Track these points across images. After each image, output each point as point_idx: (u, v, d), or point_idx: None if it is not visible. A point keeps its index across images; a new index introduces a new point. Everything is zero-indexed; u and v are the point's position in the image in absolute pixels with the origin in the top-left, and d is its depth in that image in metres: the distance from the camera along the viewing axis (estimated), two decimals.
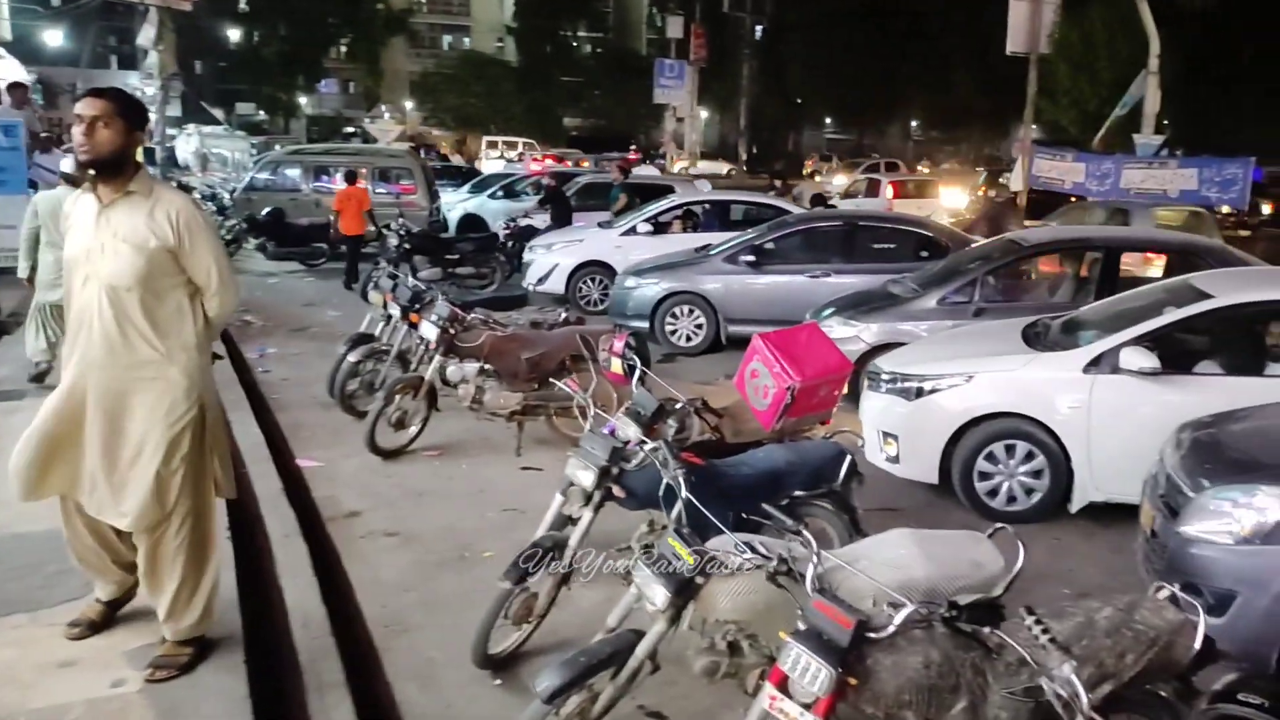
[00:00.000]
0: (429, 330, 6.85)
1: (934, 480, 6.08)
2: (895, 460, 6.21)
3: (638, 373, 5.35)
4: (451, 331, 6.87)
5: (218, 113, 45.04)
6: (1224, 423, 4.78)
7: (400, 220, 13.26)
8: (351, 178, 14.14)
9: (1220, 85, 31.28)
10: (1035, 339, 6.39)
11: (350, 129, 48.99)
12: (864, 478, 4.73)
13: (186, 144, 28.29)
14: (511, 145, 42.38)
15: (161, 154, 17.46)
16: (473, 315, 7.24)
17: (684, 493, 3.82)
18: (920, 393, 6.14)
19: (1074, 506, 5.85)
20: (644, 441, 4.22)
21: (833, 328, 8.01)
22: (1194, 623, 2.91)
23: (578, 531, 4.21)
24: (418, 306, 7.25)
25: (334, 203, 14.02)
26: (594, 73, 57.18)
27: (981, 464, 5.93)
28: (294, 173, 16.85)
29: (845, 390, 6.95)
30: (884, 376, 6.45)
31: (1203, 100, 30.43)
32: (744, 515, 4.27)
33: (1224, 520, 4.03)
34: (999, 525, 3.56)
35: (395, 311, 7.54)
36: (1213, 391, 5.53)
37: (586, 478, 4.15)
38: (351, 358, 7.58)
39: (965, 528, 5.70)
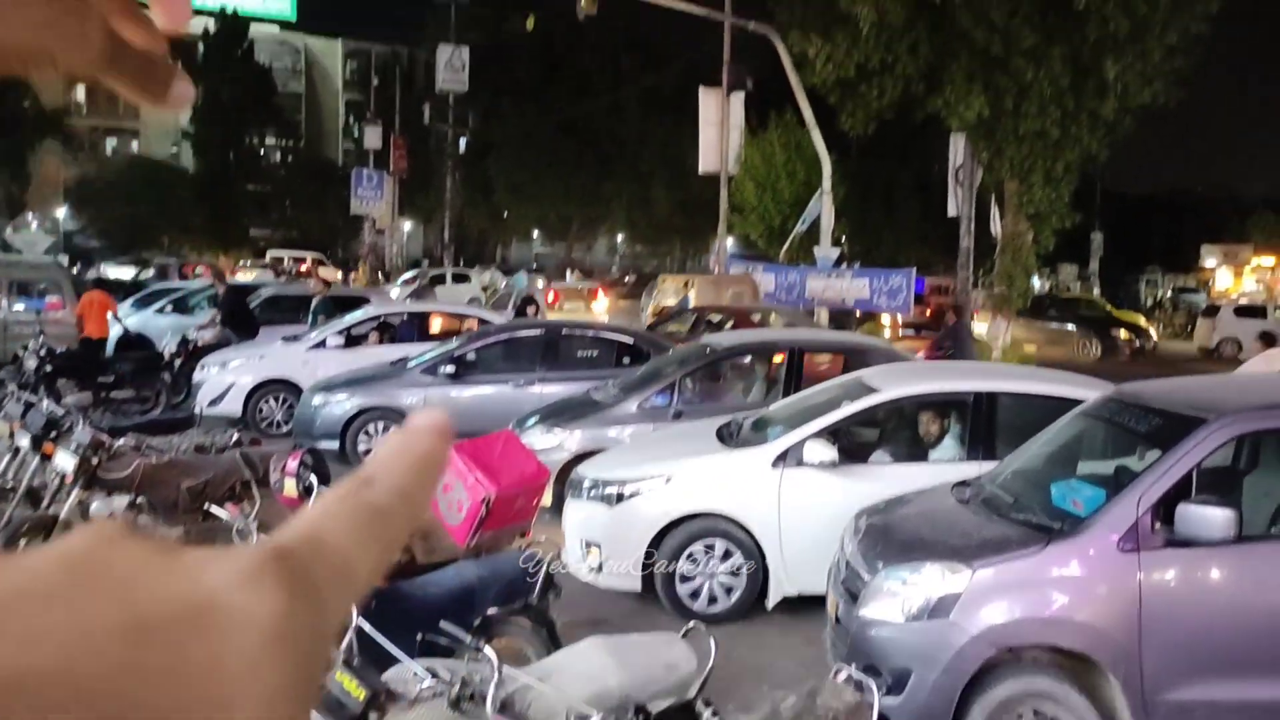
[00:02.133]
0: (65, 461, 6.11)
1: (637, 587, 6.19)
2: (598, 569, 6.26)
3: (315, 494, 5.06)
4: (95, 461, 6.17)
5: None
6: (894, 507, 5.27)
7: (40, 339, 11.92)
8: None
9: (885, 206, 36.02)
10: (728, 437, 6.78)
11: None
12: (561, 589, 4.71)
13: None
14: (299, 260, 38.94)
15: None
16: (122, 442, 6.57)
17: (355, 619, 3.60)
18: (621, 497, 6.28)
19: (770, 602, 6.16)
20: None
21: (536, 437, 8.10)
22: (870, 703, 3.09)
23: None
24: (53, 435, 6.47)
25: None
26: (284, 181, 55.59)
27: (682, 566, 6.12)
28: None
29: (549, 501, 7.01)
30: (585, 484, 6.55)
31: (871, 218, 34.78)
32: (431, 639, 4.10)
33: (896, 600, 4.39)
34: (691, 624, 3.64)
35: (25, 442, 6.67)
36: (886, 479, 6.09)
37: None
38: None
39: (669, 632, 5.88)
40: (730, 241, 24.79)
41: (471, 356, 10.42)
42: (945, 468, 6.08)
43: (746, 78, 25.06)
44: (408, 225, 50.95)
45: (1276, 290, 31.45)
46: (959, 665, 4.16)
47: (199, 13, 57.79)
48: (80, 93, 61.53)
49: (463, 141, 45.28)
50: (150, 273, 30.96)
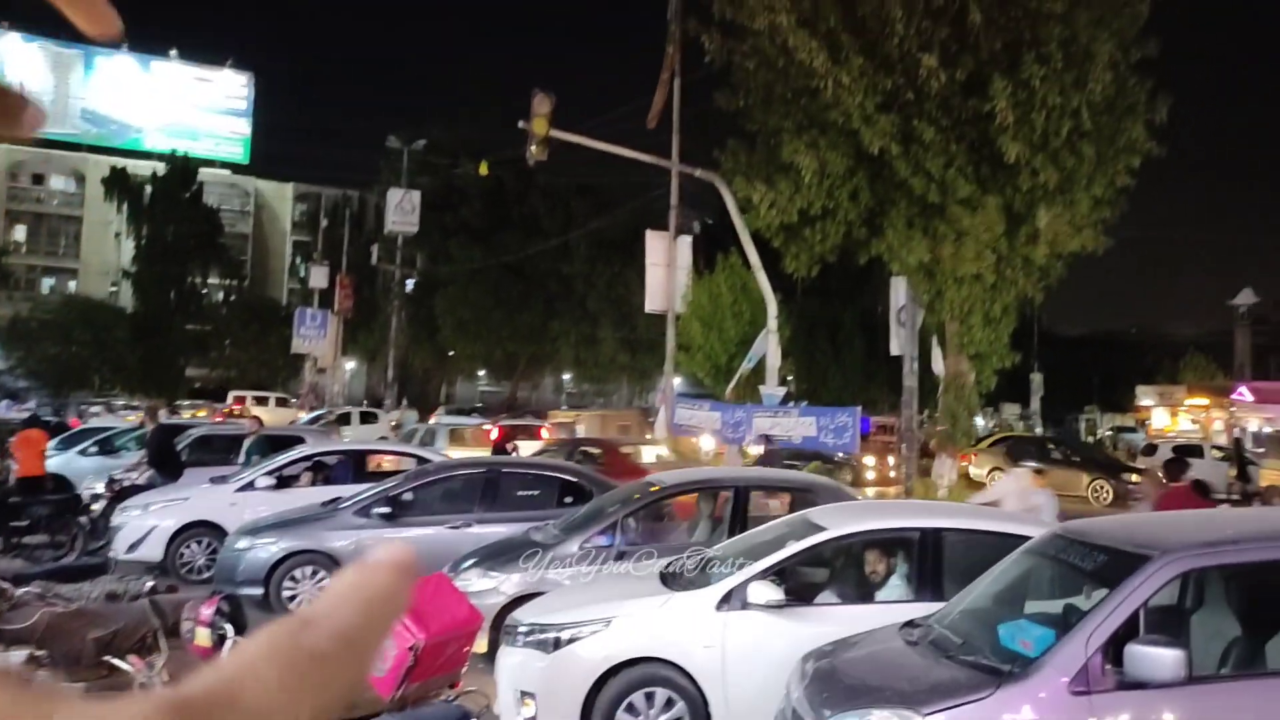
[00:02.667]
0: None
1: None
2: None
3: (230, 644, 4.79)
4: None
5: None
6: (841, 650, 5.11)
7: None
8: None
9: (831, 345, 36.77)
10: (672, 579, 6.61)
11: None
12: None
13: None
14: (261, 401, 37.93)
15: None
16: (25, 590, 6.21)
17: None
18: (559, 644, 6.04)
19: None
20: None
21: (471, 580, 7.85)
22: None
23: None
24: None
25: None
26: (225, 320, 55.29)
27: (621, 717, 5.84)
28: None
29: (483, 648, 6.72)
30: (521, 629, 6.30)
31: (818, 357, 35.41)
32: None
33: None
34: None
35: None
36: (833, 620, 5.94)
37: None
38: None
39: None
40: (678, 380, 24.97)
41: (408, 496, 10.18)
42: (893, 608, 5.95)
43: (693, 221, 25.87)
44: (351, 364, 50.69)
45: (1209, 429, 32.33)
46: None
47: (149, 156, 58.73)
48: (19, 231, 61.48)
49: (410, 282, 45.68)
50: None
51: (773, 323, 21.09)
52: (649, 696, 5.90)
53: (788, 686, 5.03)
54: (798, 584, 6.51)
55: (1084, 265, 18.75)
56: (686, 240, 24.45)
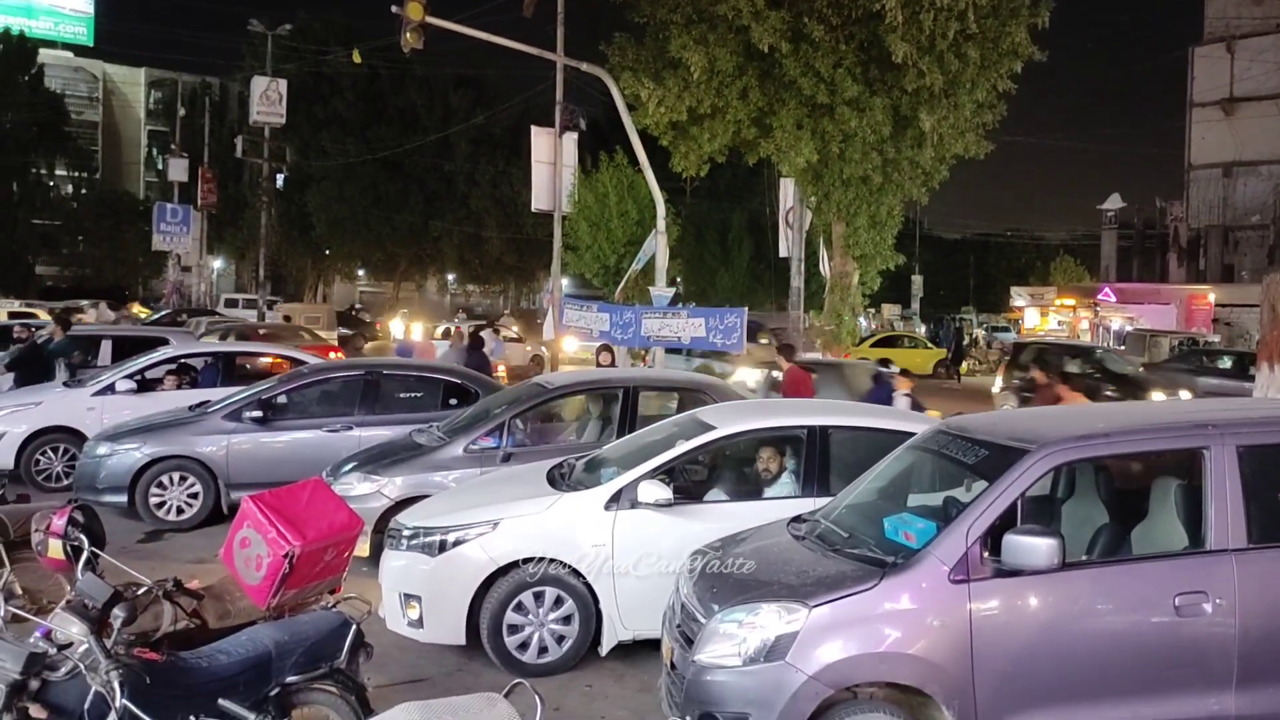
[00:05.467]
0: None
1: (461, 641, 5.88)
2: (419, 624, 5.91)
3: (85, 555, 4.55)
4: None
5: None
6: (729, 546, 5.18)
7: None
8: None
9: (720, 247, 36.90)
10: (560, 480, 6.58)
11: None
12: (373, 649, 4.37)
13: None
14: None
15: None
16: None
17: (120, 700, 3.19)
18: (444, 546, 5.97)
19: (604, 649, 5.96)
20: (82, 642, 3.52)
21: (353, 484, 7.69)
22: None
23: None
24: None
25: None
26: (76, 216, 51.98)
27: (511, 616, 5.85)
28: None
29: (366, 552, 6.60)
30: (405, 532, 6.20)
31: (706, 259, 35.57)
32: (216, 715, 3.70)
33: (732, 642, 4.28)
34: (516, 681, 3.43)
35: None
36: (722, 518, 6.03)
37: None
38: None
39: (498, 688, 5.57)
40: (566, 281, 24.73)
41: (282, 399, 9.86)
42: (781, 504, 6.07)
43: (579, 118, 25.25)
44: (218, 262, 48.54)
45: (1076, 329, 34.01)
46: (796, 708, 4.08)
47: None
48: None
49: (280, 176, 43.63)
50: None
51: (661, 223, 20.91)
52: (538, 596, 5.90)
53: (676, 582, 5.10)
54: (687, 482, 6.56)
55: (963, 170, 19.17)
56: (572, 137, 23.86)
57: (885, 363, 13.39)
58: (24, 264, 47.71)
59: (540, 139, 23.58)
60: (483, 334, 18.46)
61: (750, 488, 6.69)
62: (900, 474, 5.42)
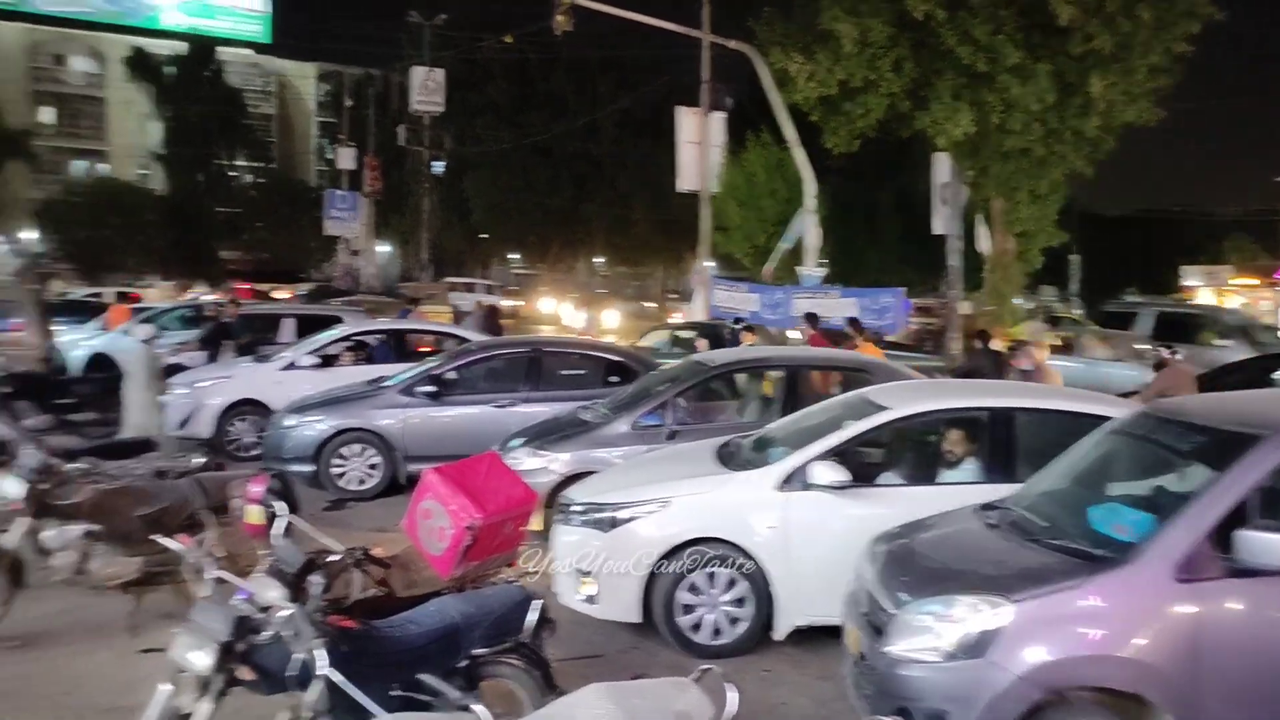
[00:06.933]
0: (12, 486, 5.64)
1: (636, 619, 5.76)
2: (593, 600, 5.83)
3: (281, 522, 4.61)
4: (44, 487, 5.69)
5: None
6: (914, 532, 4.88)
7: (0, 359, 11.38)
8: None
9: (867, 226, 35.82)
10: (729, 459, 6.38)
11: None
12: (556, 625, 4.28)
13: None
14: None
15: None
16: (74, 466, 6.09)
17: (322, 669, 3.17)
18: (615, 523, 5.86)
19: (779, 634, 5.74)
20: (283, 607, 3.53)
21: (521, 459, 7.68)
22: None
23: None
24: (1, 459, 5.99)
25: None
26: (255, 203, 54.80)
27: (683, 596, 5.70)
28: None
29: (539, 526, 6.57)
30: (575, 508, 6.13)
31: (854, 238, 34.55)
32: (414, 685, 3.67)
33: (928, 636, 3.98)
34: (705, 666, 3.25)
35: None
36: (898, 502, 5.71)
37: (201, 659, 3.37)
38: None
39: (673, 669, 5.43)
40: (714, 262, 24.48)
41: (452, 375, 10.00)
42: (959, 489, 5.70)
43: (726, 97, 24.89)
44: (385, 247, 50.34)
45: (1258, 309, 31.55)
46: (1001, 709, 3.76)
47: (168, 35, 57.42)
48: (45, 113, 60.78)
49: (438, 163, 44.79)
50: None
51: (811, 202, 20.47)
52: (710, 576, 5.73)
53: (858, 569, 4.83)
54: (858, 464, 6.24)
55: (1125, 140, 17.81)
56: (720, 117, 23.57)
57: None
58: (209, 249, 50.64)
59: (686, 119, 23.35)
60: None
61: (926, 471, 6.33)
62: (1099, 460, 4.98)
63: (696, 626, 5.71)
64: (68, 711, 4.80)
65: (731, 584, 5.73)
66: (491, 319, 18.23)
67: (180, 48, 53.96)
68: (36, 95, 60.68)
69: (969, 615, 3.91)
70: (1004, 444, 5.93)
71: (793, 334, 16.81)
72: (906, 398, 6.43)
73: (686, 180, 23.27)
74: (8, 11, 58.81)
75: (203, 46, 53.73)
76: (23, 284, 15.81)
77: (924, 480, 6.21)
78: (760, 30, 18.86)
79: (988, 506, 4.90)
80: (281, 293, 29.15)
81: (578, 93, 47.04)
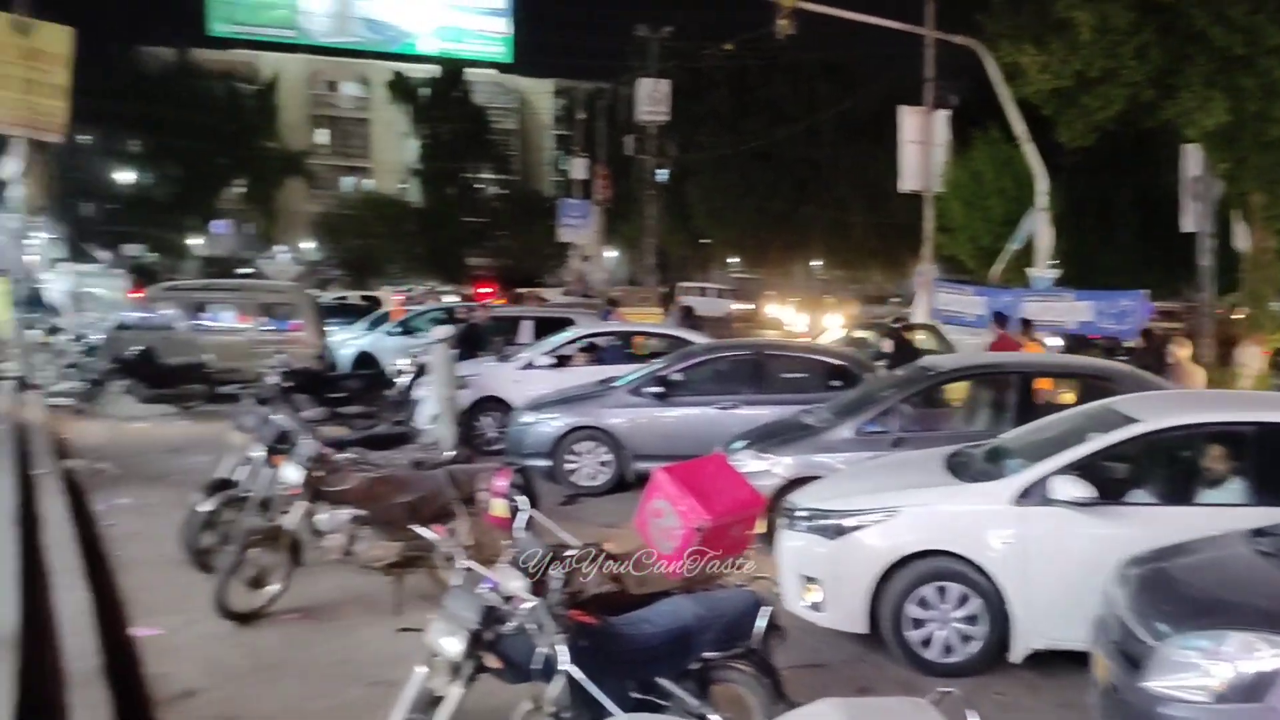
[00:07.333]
0: (292, 473, 6.13)
1: (863, 629, 5.53)
2: (818, 608, 5.66)
3: (523, 515, 4.74)
4: (318, 474, 6.16)
5: (104, 254, 43.63)
6: (1173, 557, 4.41)
7: (281, 357, 12.48)
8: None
9: (1102, 225, 33.20)
10: (960, 469, 6.02)
11: (246, 269, 48.02)
12: (786, 632, 4.16)
13: (58, 283, 26.92)
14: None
15: (25, 293, 16.29)
16: (343, 455, 6.56)
17: (564, 664, 3.20)
18: (841, 530, 5.66)
19: (1015, 656, 5.35)
20: (526, 599, 3.61)
21: (745, 461, 7.58)
22: None
23: (444, 713, 3.51)
24: (283, 447, 6.53)
25: None
26: (498, 213, 57.84)
27: (912, 610, 5.42)
28: (170, 310, 15.96)
29: (762, 529, 6.46)
30: (800, 513, 5.97)
31: (1086, 238, 32.14)
32: (647, 685, 3.66)
33: (1195, 674, 3.57)
34: (945, 689, 3.03)
35: (258, 453, 6.80)
36: (1148, 523, 5.20)
37: (453, 646, 3.50)
38: (205, 507, 6.75)
39: (900, 684, 5.19)
40: (935, 265, 23.47)
41: (677, 377, 10.07)
42: (1225, 512, 5.11)
43: (950, 94, 23.81)
44: (613, 252, 51.73)
45: None
46: None
47: (424, 59, 61.63)
48: (320, 135, 66.73)
49: (662, 171, 45.54)
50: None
51: (1042, 199, 19.21)
52: (941, 591, 5.41)
53: (1107, 593, 4.41)
54: (1103, 480, 5.72)
55: None
56: (944, 114, 22.53)
57: None
58: (458, 256, 53.96)
59: (909, 118, 22.48)
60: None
61: (1182, 490, 5.71)
62: None
63: (926, 642, 5.41)
64: (341, 680, 5.15)
65: (964, 600, 5.39)
66: (689, 318, 18.88)
67: (433, 71, 57.82)
68: (313, 119, 66.74)
69: (1243, 654, 3.47)
70: (1275, 463, 5.26)
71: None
72: (1160, 409, 5.85)
73: (909, 180, 22.41)
74: (292, 45, 65.07)
75: (453, 69, 57.32)
76: (301, 289, 17.35)
77: (1179, 500, 5.61)
78: (989, 23, 17.88)
79: (1260, 532, 4.35)
80: (541, 295, 30.78)
81: (796, 97, 46.48)
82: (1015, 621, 5.30)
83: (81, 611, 5.69)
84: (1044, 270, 18.29)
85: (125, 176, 51.68)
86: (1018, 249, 19.89)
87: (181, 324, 15.72)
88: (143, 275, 38.83)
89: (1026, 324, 12.67)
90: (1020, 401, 7.75)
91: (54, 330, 17.38)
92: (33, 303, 18.06)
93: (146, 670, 5.23)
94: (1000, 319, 13.54)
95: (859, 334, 18.56)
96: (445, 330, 11.08)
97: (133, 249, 51.19)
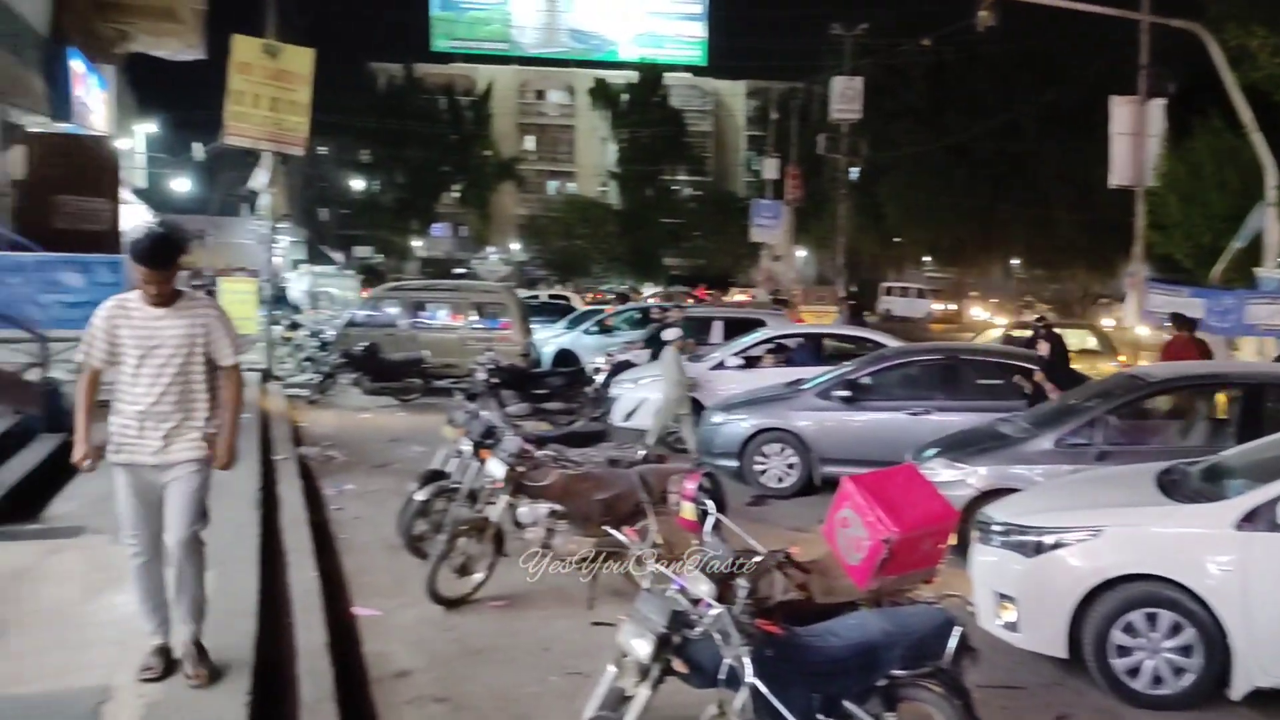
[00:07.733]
0: (496, 467, 6.38)
1: (1062, 653, 5.16)
2: (1013, 628, 5.33)
3: (711, 519, 4.72)
4: (520, 469, 6.39)
5: (338, 255, 47.30)
6: None
7: (489, 354, 13.06)
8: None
9: None
10: (1172, 488, 5.52)
11: (461, 269, 50.68)
12: (979, 654, 3.93)
13: (298, 283, 29.40)
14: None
15: (270, 292, 17.88)
16: (544, 452, 6.77)
17: (749, 677, 3.15)
18: (1040, 548, 5.30)
19: (1235, 693, 4.84)
20: (712, 605, 3.59)
21: (936, 470, 7.26)
22: None
23: (632, 713, 3.55)
24: (489, 442, 6.81)
25: None
26: (693, 214, 58.30)
27: (1118, 636, 5.01)
28: (392, 308, 17.05)
29: (953, 542, 6.17)
30: (996, 527, 5.64)
31: None
32: (831, 701, 3.55)
33: None
34: None
35: (467, 447, 7.13)
36: None
37: (642, 648, 3.52)
38: (420, 496, 7.14)
39: (1102, 712, 4.82)
40: (1144, 263, 21.65)
41: (866, 381, 9.78)
42: None
43: (1167, 82, 21.86)
44: (802, 252, 50.98)
45: None
46: None
47: (625, 66, 62.94)
48: (529, 141, 69.49)
49: (853, 169, 44.43)
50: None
51: (1272, 194, 17.30)
52: (1150, 618, 4.97)
53: None
54: None
55: None
56: (1159, 104, 20.71)
57: None
58: (656, 256, 54.89)
59: (1120, 109, 20.82)
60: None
61: None
62: None
63: (1133, 671, 4.98)
64: (542, 669, 5.29)
65: (1176, 629, 4.93)
66: (856, 314, 19.34)
67: (632, 77, 58.97)
68: (522, 127, 69.61)
69: None
70: None
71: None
72: None
73: (1119, 175, 20.76)
74: (505, 57, 68.16)
75: (651, 74, 58.27)
76: (509, 289, 18.05)
77: None
78: (1213, 4, 16.31)
79: None
80: (738, 295, 31.09)
81: (995, 90, 44.12)
82: (1236, 655, 4.80)
83: (311, 590, 6.16)
84: (1273, 270, 16.48)
85: (357, 184, 55.85)
86: (1242, 247, 18.03)
87: (402, 322, 16.76)
88: (371, 275, 41.81)
89: (1183, 321, 11.33)
90: (1244, 415, 7.02)
91: (294, 326, 18.87)
92: (278, 301, 19.79)
93: (365, 648, 5.57)
94: (1183, 322, 11.87)
95: (1016, 333, 18.00)
96: (674, 333, 11.20)
97: (363, 250, 55.22)
